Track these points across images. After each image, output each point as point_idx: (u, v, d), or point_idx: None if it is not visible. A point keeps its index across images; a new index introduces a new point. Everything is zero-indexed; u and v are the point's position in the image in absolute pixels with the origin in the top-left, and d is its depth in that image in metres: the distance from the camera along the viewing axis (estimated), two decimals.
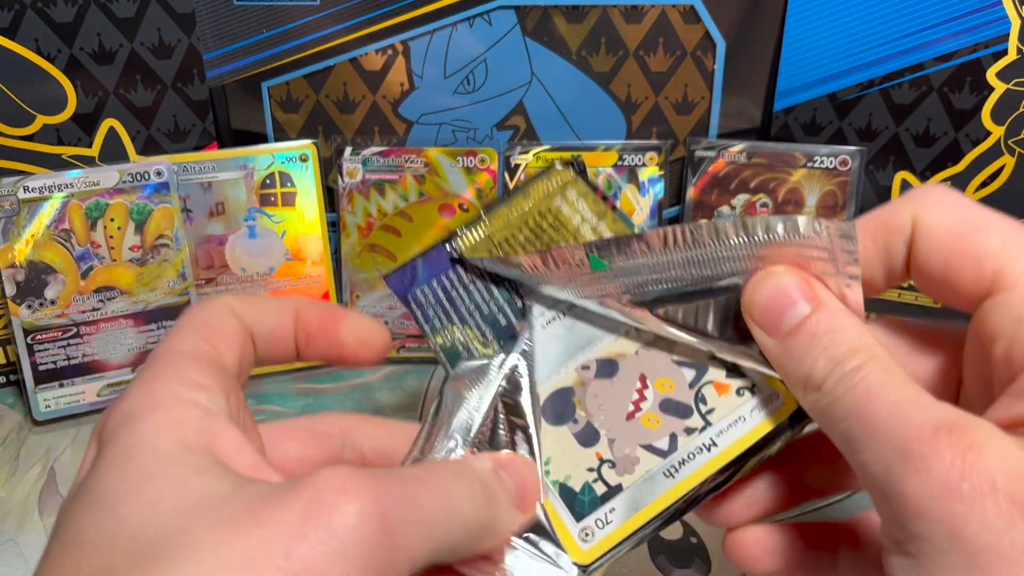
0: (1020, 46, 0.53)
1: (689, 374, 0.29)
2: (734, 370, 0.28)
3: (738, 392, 0.28)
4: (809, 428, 0.27)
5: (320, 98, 0.58)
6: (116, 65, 0.53)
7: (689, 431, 0.28)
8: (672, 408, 0.29)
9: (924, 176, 0.57)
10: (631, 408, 0.29)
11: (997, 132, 0.55)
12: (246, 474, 0.22)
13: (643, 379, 0.29)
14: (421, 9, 0.56)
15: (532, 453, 0.29)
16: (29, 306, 0.52)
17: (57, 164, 0.54)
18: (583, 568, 0.28)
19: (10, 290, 0.51)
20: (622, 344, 0.30)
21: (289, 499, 0.21)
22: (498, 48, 0.57)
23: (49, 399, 0.53)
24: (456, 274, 0.32)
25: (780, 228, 0.25)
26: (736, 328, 0.27)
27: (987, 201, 0.55)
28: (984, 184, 0.56)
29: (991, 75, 0.53)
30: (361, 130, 0.59)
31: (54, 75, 0.52)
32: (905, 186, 0.57)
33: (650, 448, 0.29)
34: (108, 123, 0.55)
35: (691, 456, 0.28)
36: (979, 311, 0.24)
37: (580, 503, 0.29)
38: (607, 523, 0.28)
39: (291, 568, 0.19)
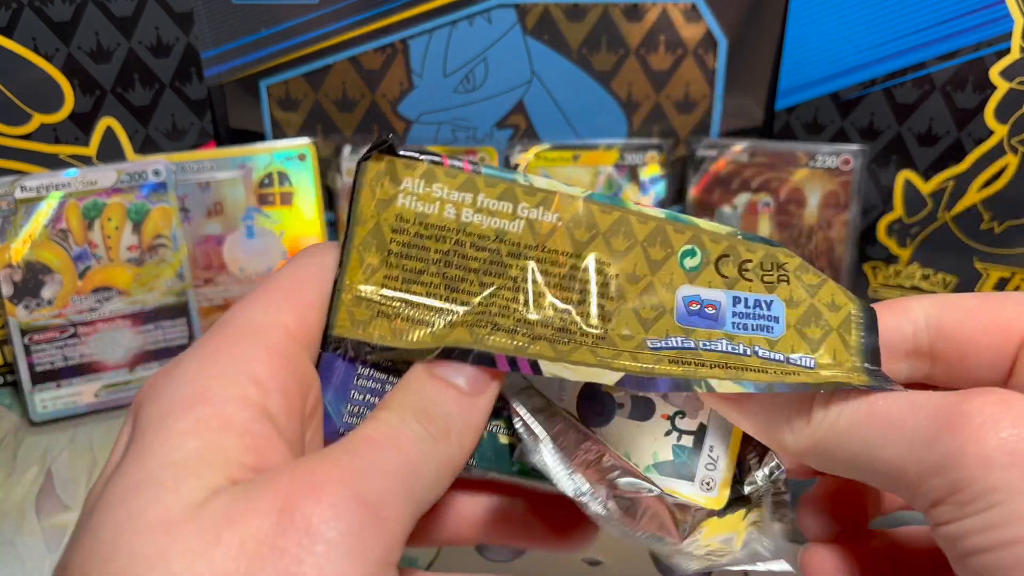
0: (1023, 44, 0.52)
1: None
2: None
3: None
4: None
5: (319, 97, 0.58)
6: (114, 64, 0.53)
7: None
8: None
9: (927, 175, 0.57)
10: None
11: (1000, 131, 0.54)
12: None
13: None
14: (420, 7, 0.56)
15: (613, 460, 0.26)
16: (26, 306, 0.52)
17: (54, 163, 0.54)
18: (722, 512, 0.27)
19: (7, 290, 0.51)
20: None
21: (260, 509, 0.19)
22: (498, 47, 0.57)
23: (46, 400, 0.53)
24: (370, 371, 0.26)
25: None
26: None
27: (990, 201, 0.56)
28: (987, 184, 0.55)
29: (994, 74, 0.53)
30: (360, 129, 0.59)
31: (52, 74, 0.52)
32: (908, 185, 0.57)
33: None
34: (106, 122, 0.54)
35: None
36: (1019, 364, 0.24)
37: (682, 465, 0.27)
38: (715, 461, 0.27)
39: None
